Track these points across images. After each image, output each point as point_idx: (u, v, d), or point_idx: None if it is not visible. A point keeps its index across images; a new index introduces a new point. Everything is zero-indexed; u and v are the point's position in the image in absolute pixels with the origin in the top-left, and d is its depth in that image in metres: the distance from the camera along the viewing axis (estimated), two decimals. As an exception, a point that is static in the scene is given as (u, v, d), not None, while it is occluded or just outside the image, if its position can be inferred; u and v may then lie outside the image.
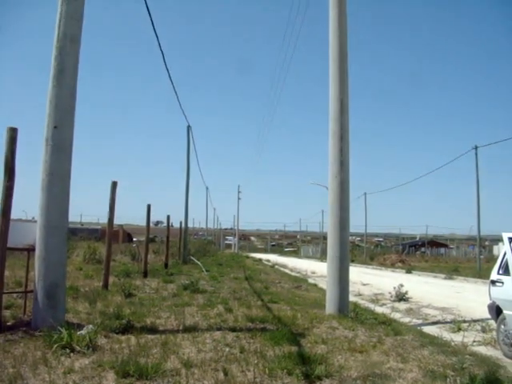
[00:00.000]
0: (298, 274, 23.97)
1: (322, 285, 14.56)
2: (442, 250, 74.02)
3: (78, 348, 4.87)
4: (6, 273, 6.74)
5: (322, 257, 50.86)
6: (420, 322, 9.71)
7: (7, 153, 5.76)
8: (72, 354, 4.76)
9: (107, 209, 10.79)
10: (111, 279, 11.05)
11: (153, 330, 6.18)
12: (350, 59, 9.16)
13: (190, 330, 6.25)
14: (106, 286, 10.13)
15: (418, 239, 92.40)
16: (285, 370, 4.55)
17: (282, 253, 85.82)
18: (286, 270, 27.83)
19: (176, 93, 18.62)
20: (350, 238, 10.64)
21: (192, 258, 24.32)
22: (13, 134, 5.82)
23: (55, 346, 4.86)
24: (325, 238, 43.11)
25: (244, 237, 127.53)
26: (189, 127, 28.06)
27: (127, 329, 5.94)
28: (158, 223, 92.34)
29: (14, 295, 7.80)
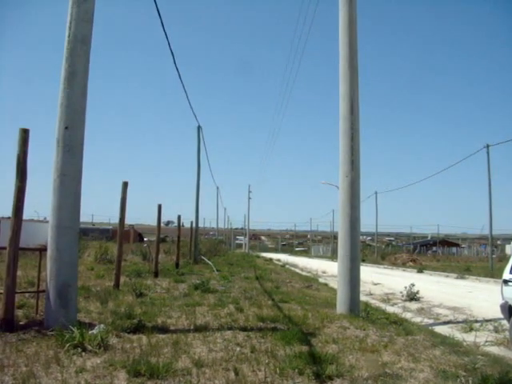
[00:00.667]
0: (308, 274, 23.92)
1: (333, 284, 14.51)
2: (454, 249, 73.54)
3: (89, 347, 4.91)
4: (19, 273, 6.82)
5: (333, 256, 50.77)
6: (431, 321, 9.63)
7: (19, 154, 5.81)
8: (84, 354, 4.78)
9: (118, 209, 10.86)
10: (122, 279, 11.11)
11: (164, 329, 6.20)
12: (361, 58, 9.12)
13: (200, 329, 6.27)
14: (117, 285, 10.19)
15: (429, 238, 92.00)
16: (296, 370, 4.54)
17: (292, 252, 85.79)
18: (297, 270, 27.78)
19: (186, 93, 18.72)
20: (361, 237, 10.59)
21: (203, 257, 24.37)
22: (24, 135, 5.86)
23: (67, 345, 4.89)
24: (335, 237, 42.91)
25: (255, 236, 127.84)
26: (199, 127, 28.15)
27: (138, 328, 5.97)
28: (168, 223, 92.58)
29: (27, 295, 7.89)
